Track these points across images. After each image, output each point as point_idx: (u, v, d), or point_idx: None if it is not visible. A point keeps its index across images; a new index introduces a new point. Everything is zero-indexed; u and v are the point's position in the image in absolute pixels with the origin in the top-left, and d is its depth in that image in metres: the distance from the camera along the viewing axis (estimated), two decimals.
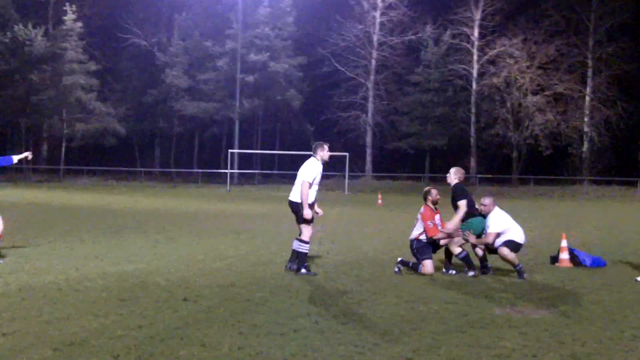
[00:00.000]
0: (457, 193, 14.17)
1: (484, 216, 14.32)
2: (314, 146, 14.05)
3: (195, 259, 15.18)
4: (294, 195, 13.71)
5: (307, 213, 13.49)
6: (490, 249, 14.13)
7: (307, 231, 13.66)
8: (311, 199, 13.60)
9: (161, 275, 12.82)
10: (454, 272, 14.02)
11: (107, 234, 20.26)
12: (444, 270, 14.22)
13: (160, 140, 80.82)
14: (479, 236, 14.09)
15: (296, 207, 13.65)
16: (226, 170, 64.15)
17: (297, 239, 13.77)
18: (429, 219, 13.93)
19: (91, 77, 70.12)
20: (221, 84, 74.47)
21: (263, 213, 30.81)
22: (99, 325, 8.90)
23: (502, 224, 14.09)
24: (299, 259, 13.56)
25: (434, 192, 14.29)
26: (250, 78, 72.00)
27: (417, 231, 14.18)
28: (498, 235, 13.96)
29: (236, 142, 72.14)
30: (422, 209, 14.22)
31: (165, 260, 14.89)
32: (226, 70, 73.31)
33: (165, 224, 24.10)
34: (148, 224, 24.01)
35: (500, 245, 13.91)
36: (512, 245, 13.89)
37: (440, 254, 14.52)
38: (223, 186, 61.36)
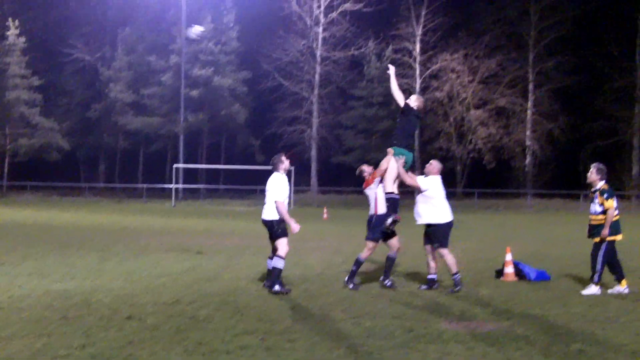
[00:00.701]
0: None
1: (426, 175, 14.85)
2: (273, 161, 13.98)
3: (139, 276, 15.06)
4: (269, 214, 13.63)
5: (296, 227, 13.43)
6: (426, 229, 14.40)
7: (284, 247, 13.52)
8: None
9: (105, 293, 12.69)
10: (424, 287, 14.12)
11: (51, 250, 20.02)
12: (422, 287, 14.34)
13: (105, 155, 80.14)
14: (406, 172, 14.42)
15: (271, 225, 13.59)
16: (171, 185, 63.75)
17: (276, 255, 13.46)
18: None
19: (34, 92, 69.36)
20: (165, 99, 74.08)
21: (208, 228, 30.65)
22: (42, 344, 8.78)
23: (430, 186, 14.59)
24: (274, 275, 13.36)
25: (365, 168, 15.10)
26: (195, 92, 71.71)
27: (372, 207, 14.32)
28: (420, 191, 14.40)
29: (181, 157, 71.70)
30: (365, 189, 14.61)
31: (110, 277, 14.75)
32: (170, 84, 72.95)
33: (109, 240, 23.87)
34: (92, 240, 23.77)
35: (440, 246, 14.24)
36: (445, 232, 14.34)
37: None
38: (168, 201, 60.99)
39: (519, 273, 15.68)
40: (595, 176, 14.36)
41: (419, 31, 72.91)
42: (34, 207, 48.73)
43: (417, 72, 73.32)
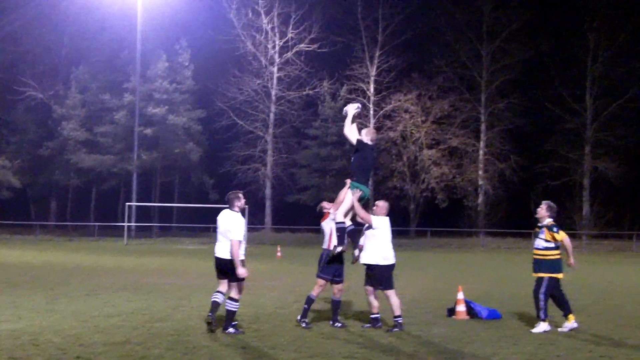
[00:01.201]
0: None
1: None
2: (230, 198, 13.67)
3: (90, 315, 14.91)
4: (226, 253, 13.23)
5: (243, 272, 13.16)
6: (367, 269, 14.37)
7: (239, 289, 13.35)
8: (242, 254, 13.32)
9: (54, 333, 12.55)
10: (368, 325, 14.11)
11: (0, 289, 19.77)
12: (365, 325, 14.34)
13: (57, 193, 79.41)
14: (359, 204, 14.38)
15: (229, 265, 13.19)
16: (124, 224, 63.34)
17: (231, 298, 13.22)
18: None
19: None
20: (119, 137, 73.78)
21: (161, 267, 30.45)
22: None
23: (380, 225, 14.51)
24: (229, 317, 13.15)
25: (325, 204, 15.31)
26: (149, 131, 71.51)
27: (326, 241, 14.51)
28: (369, 227, 14.36)
29: (134, 195, 71.27)
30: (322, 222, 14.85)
31: (60, 317, 14.59)
32: (124, 123, 72.70)
33: (60, 279, 23.62)
34: (42, 279, 23.50)
35: (386, 288, 14.23)
36: (388, 274, 14.32)
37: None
38: (120, 239, 60.53)
39: (471, 312, 15.76)
40: (545, 212, 14.68)
41: (373, 72, 73.42)
42: None
43: (371, 112, 73.73)
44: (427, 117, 72.35)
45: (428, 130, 72.38)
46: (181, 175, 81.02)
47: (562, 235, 14.23)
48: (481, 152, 72.79)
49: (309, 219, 78.04)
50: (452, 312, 16.04)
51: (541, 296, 14.10)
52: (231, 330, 12.98)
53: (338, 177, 74.78)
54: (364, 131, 14.80)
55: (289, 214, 76.92)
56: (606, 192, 71.48)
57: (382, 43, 73.16)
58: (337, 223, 14.08)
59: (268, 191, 74.21)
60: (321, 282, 14.23)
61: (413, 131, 72.53)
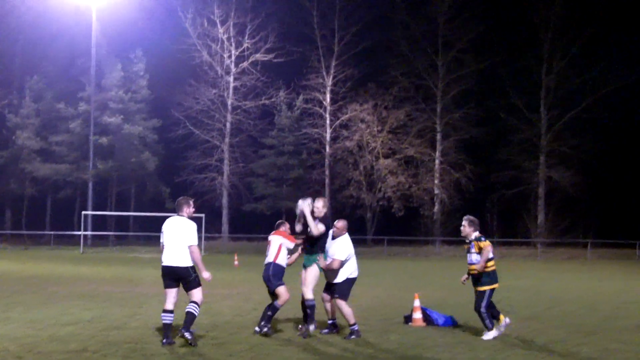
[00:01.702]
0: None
1: (334, 237, 14.64)
2: (180, 203, 13.41)
3: (46, 324, 14.84)
4: (181, 260, 12.76)
5: (208, 275, 13.04)
6: (329, 282, 14.43)
7: (201, 295, 13.00)
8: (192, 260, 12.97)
9: (11, 341, 12.50)
10: (326, 330, 14.13)
11: None
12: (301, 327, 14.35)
13: (11, 201, 78.63)
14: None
15: (185, 272, 12.77)
16: (79, 232, 62.92)
17: (193, 302, 12.77)
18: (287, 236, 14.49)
19: None
20: (74, 146, 73.30)
21: (117, 276, 30.30)
22: None
23: (348, 252, 14.47)
24: (189, 320, 12.66)
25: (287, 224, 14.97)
26: (104, 140, 71.11)
27: (272, 254, 14.54)
28: (342, 263, 14.23)
29: (89, 204, 70.80)
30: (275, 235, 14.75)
31: (16, 325, 14.51)
32: (79, 132, 72.25)
33: (15, 287, 23.44)
34: None
35: (339, 297, 14.22)
36: (348, 286, 14.35)
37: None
38: (76, 248, 60.10)
39: (427, 319, 15.89)
40: (468, 229, 14.80)
41: (329, 82, 73.59)
42: None
43: (328, 121, 73.89)
44: (383, 126, 72.60)
45: (384, 140, 72.63)
46: (137, 184, 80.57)
47: (485, 244, 14.30)
48: (437, 161, 73.15)
49: (266, 227, 78.04)
50: (408, 319, 16.16)
51: (483, 310, 14.23)
52: (187, 335, 12.52)
53: (294, 186, 75.03)
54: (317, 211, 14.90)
55: (245, 223, 76.83)
56: (561, 201, 72.31)
57: (338, 53, 73.37)
58: (307, 300, 14.12)
59: (225, 200, 74.03)
60: (282, 289, 14.21)
61: (369, 141, 72.76)
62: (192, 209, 13.38)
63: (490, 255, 14.29)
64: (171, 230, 13.08)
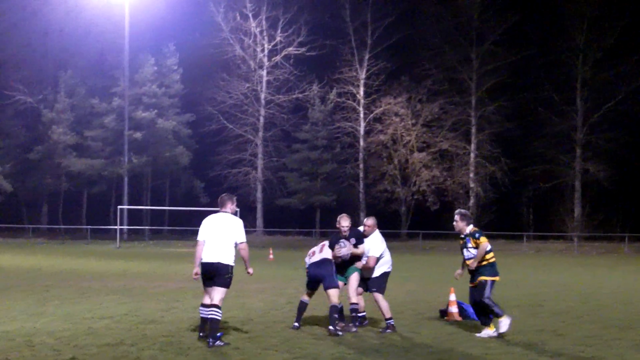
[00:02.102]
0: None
1: (365, 236, 14.59)
2: (224, 199, 13.01)
3: (82, 317, 14.92)
4: (225, 257, 12.50)
5: (252, 270, 13.00)
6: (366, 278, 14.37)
7: (223, 295, 12.65)
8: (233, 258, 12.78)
9: (48, 334, 12.58)
10: (355, 329, 14.05)
11: None
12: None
13: (48, 196, 79.16)
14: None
15: (224, 269, 12.48)
16: (115, 227, 63.32)
17: (215, 306, 12.38)
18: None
19: None
20: (109, 141, 73.73)
21: (152, 270, 30.43)
22: None
23: (381, 248, 14.52)
24: (216, 329, 12.27)
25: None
26: (138, 135, 71.42)
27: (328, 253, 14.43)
28: (378, 260, 14.28)
29: (125, 198, 71.23)
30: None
31: (52, 319, 14.61)
32: (113, 127, 72.66)
33: (52, 281, 23.61)
34: (35, 281, 23.49)
35: (376, 291, 14.28)
36: (384, 280, 14.43)
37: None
38: (112, 242, 60.45)
39: (463, 313, 15.82)
40: (461, 223, 14.48)
41: (362, 75, 73.51)
42: None
43: (361, 115, 73.82)
44: (417, 120, 72.45)
45: (418, 133, 72.48)
46: (171, 179, 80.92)
47: (482, 240, 14.02)
48: (472, 154, 72.88)
49: (299, 222, 78.23)
50: (444, 313, 16.10)
51: (487, 298, 13.72)
52: (219, 343, 12.06)
53: (328, 181, 74.89)
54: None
55: (279, 217, 76.94)
56: (597, 194, 71.63)
57: (371, 46, 73.34)
58: (352, 304, 14.17)
59: (259, 194, 74.22)
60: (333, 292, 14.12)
61: (403, 134, 72.62)
62: (235, 206, 13.11)
63: (488, 247, 14.03)
64: (216, 226, 12.71)
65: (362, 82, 73.81)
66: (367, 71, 73.55)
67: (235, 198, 13.31)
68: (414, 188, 72.22)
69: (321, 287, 14.28)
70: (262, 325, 14.35)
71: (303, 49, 72.03)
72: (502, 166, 71.15)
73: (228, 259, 12.51)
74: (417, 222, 71.85)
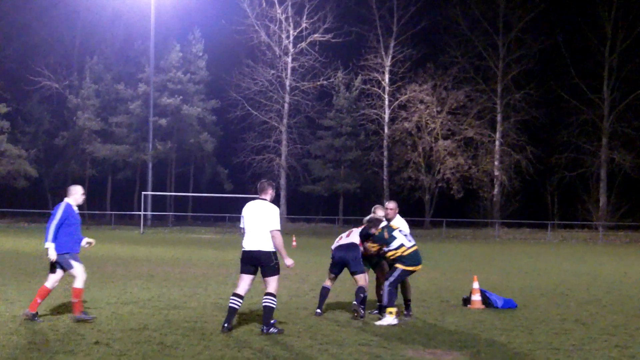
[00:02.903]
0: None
1: (388, 220, 14.62)
2: (264, 186, 12.71)
3: (106, 302, 14.98)
4: (262, 244, 12.24)
5: (291, 262, 12.54)
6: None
7: (277, 283, 12.45)
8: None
9: (72, 319, 12.62)
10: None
11: (18, 277, 19.91)
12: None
13: (73, 182, 79.35)
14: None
15: (267, 257, 12.29)
16: (139, 213, 63.60)
17: (269, 294, 12.22)
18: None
19: (2, 119, 68.94)
20: (134, 127, 74.07)
21: (176, 256, 30.51)
22: None
23: (399, 226, 14.49)
24: (268, 315, 12.13)
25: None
26: (163, 121, 71.72)
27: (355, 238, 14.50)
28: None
29: (149, 184, 71.57)
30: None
31: None
32: (139, 113, 72.97)
33: None
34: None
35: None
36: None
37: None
38: (136, 228, 60.73)
39: (486, 301, 15.75)
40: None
41: (387, 62, 73.34)
42: (1, 234, 48.31)
43: (386, 102, 73.71)
44: (442, 107, 72.33)
45: (443, 121, 72.37)
46: (196, 165, 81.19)
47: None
48: (497, 143, 72.68)
49: (322, 209, 78.29)
50: (467, 301, 16.04)
51: (388, 284, 13.56)
52: (273, 330, 12.04)
53: (352, 168, 74.87)
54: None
55: (303, 204, 77.07)
56: (622, 183, 71.35)
57: (397, 33, 73.13)
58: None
59: (283, 181, 74.22)
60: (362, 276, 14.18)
61: (428, 122, 72.50)
62: (274, 193, 12.85)
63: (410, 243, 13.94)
64: (253, 214, 12.48)
65: (387, 69, 73.65)
66: (393, 58, 73.38)
67: (274, 184, 13.10)
68: (438, 176, 72.14)
69: (344, 273, 14.40)
70: (285, 312, 14.35)
71: (328, 36, 71.88)
72: (527, 154, 70.98)
73: (267, 245, 12.27)
74: (441, 210, 71.77)
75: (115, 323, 12.36)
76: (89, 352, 9.82)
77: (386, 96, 73.98)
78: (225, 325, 12.09)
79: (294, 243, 42.29)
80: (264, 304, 12.16)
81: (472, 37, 72.23)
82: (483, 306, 15.61)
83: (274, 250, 12.31)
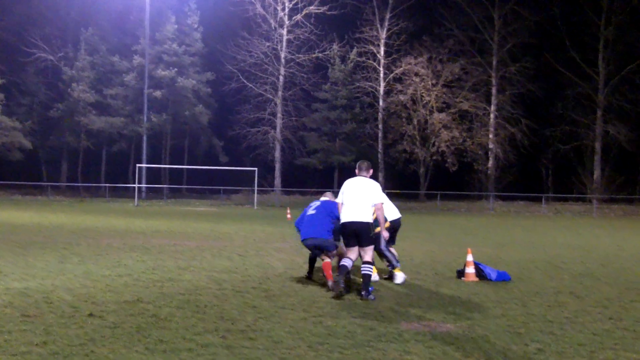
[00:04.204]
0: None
1: None
2: (363, 164, 13.93)
3: (101, 275, 14.97)
4: (362, 216, 13.16)
5: (387, 233, 14.15)
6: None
7: (372, 252, 13.54)
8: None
9: (66, 291, 12.62)
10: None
11: (12, 249, 19.86)
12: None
13: (67, 154, 79.54)
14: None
15: (366, 228, 13.20)
16: (134, 185, 63.59)
17: (367, 262, 13.12)
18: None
19: None
20: (129, 99, 74.03)
21: (170, 228, 30.52)
22: (2, 341, 8.73)
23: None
24: (367, 282, 13.02)
25: None
26: (158, 93, 71.62)
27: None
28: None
29: (144, 157, 71.57)
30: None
31: (71, 276, 14.65)
32: (134, 85, 72.90)
33: (71, 239, 23.71)
34: (54, 239, 23.59)
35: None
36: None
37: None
38: (131, 201, 60.76)
39: (480, 273, 15.76)
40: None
41: (383, 35, 73.19)
42: None
43: (381, 75, 73.62)
44: (437, 80, 72.23)
45: (438, 94, 72.29)
46: (191, 138, 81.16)
47: None
48: (492, 115, 72.69)
49: (317, 182, 78.33)
50: (461, 274, 16.05)
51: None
52: (371, 297, 12.80)
53: (347, 141, 74.85)
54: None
55: (297, 177, 77.07)
56: (617, 156, 71.47)
57: (392, 5, 73.00)
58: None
59: (277, 154, 74.25)
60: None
61: (423, 94, 72.44)
62: (371, 172, 13.93)
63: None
64: (356, 189, 13.43)
65: (382, 41, 73.53)
66: (388, 31, 73.25)
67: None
68: (433, 149, 72.14)
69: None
70: (280, 284, 14.36)
71: (324, 8, 71.69)
72: (522, 127, 71.09)
73: (367, 217, 13.21)
74: (436, 183, 71.91)
75: (110, 295, 12.36)
76: (83, 325, 9.82)
77: (381, 69, 73.88)
78: (341, 285, 12.97)
79: (289, 215, 42.42)
80: (362, 272, 13.08)
81: (467, 9, 72.12)
82: (477, 279, 15.62)
83: (371, 221, 13.29)
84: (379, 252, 15.07)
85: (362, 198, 13.26)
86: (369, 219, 13.21)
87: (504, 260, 19.98)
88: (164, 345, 8.75)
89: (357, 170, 13.81)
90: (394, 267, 15.19)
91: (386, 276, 15.68)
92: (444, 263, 18.94)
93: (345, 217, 13.27)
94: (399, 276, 15.13)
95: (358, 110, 75.51)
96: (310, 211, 14.95)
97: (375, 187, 13.47)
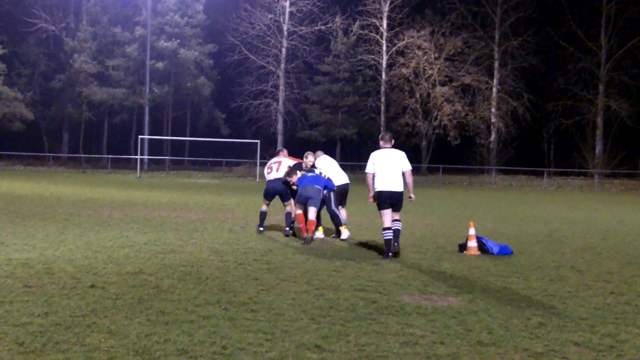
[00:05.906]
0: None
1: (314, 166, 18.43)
2: (387, 135, 15.60)
3: (103, 246, 14.98)
4: (398, 185, 14.93)
5: (414, 196, 15.79)
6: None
7: (396, 214, 15.11)
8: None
9: (68, 262, 12.63)
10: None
11: (14, 220, 19.87)
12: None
13: (69, 125, 79.44)
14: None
15: (401, 195, 15.01)
16: (136, 156, 63.57)
17: (398, 220, 15.04)
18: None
19: None
20: (131, 70, 73.84)
21: (172, 200, 30.52)
22: (3, 311, 8.73)
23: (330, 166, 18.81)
24: (398, 235, 14.92)
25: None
26: (160, 64, 71.46)
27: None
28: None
29: (146, 128, 71.46)
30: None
31: (73, 247, 14.67)
32: (136, 56, 72.70)
33: (73, 210, 23.72)
34: (56, 210, 23.60)
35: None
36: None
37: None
38: (133, 172, 60.77)
39: (482, 247, 15.77)
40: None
41: (385, 7, 72.92)
42: None
43: (384, 48, 73.44)
44: (440, 54, 72.07)
45: (441, 67, 72.15)
46: (193, 110, 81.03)
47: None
48: (494, 89, 72.57)
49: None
50: (463, 247, 16.06)
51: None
52: (398, 246, 14.82)
53: (349, 114, 74.74)
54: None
55: (300, 150, 76.90)
56: (618, 131, 71.39)
57: None
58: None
59: (280, 126, 74.17)
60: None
61: (426, 68, 72.29)
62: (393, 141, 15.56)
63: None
64: (386, 159, 15.08)
65: (385, 14, 73.27)
66: (391, 4, 72.97)
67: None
68: (435, 122, 72.10)
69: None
70: (282, 256, 14.38)
71: None
72: (524, 102, 71.03)
73: (400, 186, 15.03)
74: (438, 156, 71.92)
75: (111, 267, 12.36)
76: (84, 296, 9.82)
77: (384, 42, 73.68)
78: (390, 254, 14.70)
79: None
80: (394, 228, 14.86)
81: None
82: (479, 252, 15.64)
83: (403, 190, 15.05)
84: (330, 211, 17.63)
85: (395, 168, 14.97)
86: (402, 187, 14.98)
87: (506, 234, 20.00)
88: (166, 316, 8.75)
89: (381, 142, 15.43)
90: (340, 225, 17.54)
91: (334, 235, 17.97)
92: (445, 237, 18.96)
93: (384, 186, 14.87)
94: (344, 233, 17.54)
95: (360, 84, 75.34)
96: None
97: (403, 156, 15.15)
